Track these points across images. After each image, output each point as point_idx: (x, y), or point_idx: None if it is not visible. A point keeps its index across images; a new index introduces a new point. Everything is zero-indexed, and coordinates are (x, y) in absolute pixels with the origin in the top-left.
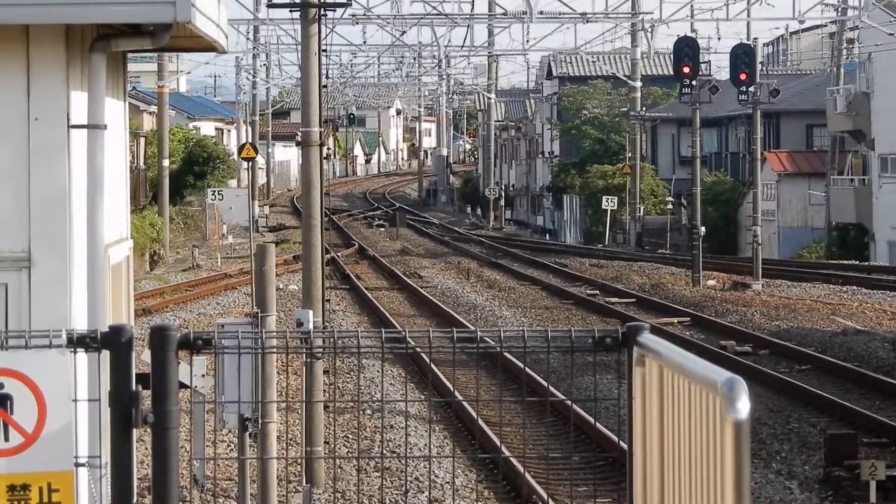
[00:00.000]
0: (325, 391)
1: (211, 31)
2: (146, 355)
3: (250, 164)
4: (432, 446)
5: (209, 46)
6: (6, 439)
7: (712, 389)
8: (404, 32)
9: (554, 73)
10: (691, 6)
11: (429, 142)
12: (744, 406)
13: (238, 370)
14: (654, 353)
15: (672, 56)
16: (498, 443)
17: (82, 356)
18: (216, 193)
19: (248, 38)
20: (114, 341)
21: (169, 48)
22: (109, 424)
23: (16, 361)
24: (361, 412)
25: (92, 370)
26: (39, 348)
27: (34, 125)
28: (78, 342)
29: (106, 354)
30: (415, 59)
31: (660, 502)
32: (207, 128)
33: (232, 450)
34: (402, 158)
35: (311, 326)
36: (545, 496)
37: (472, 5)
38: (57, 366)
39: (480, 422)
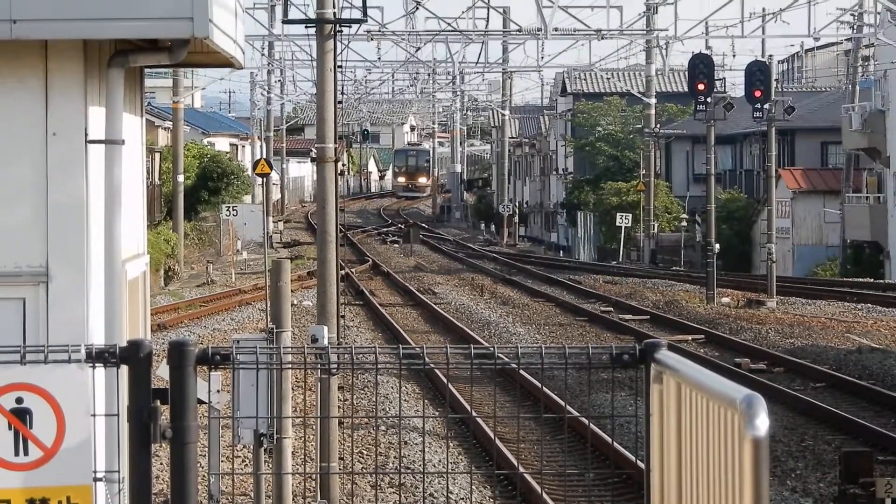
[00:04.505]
0: (339, 407)
1: (228, 46)
2: (162, 370)
3: (265, 179)
4: (448, 462)
5: (226, 62)
6: (26, 453)
7: (731, 406)
8: (419, 49)
9: (568, 90)
10: (706, 23)
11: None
12: (762, 423)
13: (254, 386)
14: (672, 369)
15: (687, 73)
16: (514, 460)
17: (99, 371)
18: (231, 209)
19: (262, 54)
20: (133, 356)
21: (186, 63)
22: (127, 439)
23: (35, 376)
24: (377, 428)
25: (110, 385)
26: (58, 363)
27: (52, 140)
28: (97, 357)
29: (124, 369)
30: (429, 75)
31: None
32: (222, 143)
33: (247, 465)
34: None
35: (326, 342)
36: None
37: (487, 22)
38: (76, 380)
39: (497, 442)
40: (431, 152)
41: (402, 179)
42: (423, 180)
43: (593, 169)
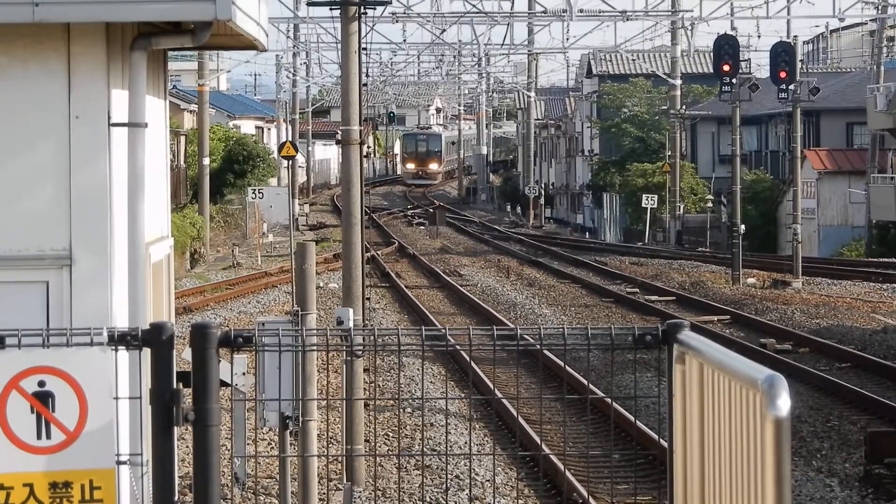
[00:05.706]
0: (365, 389)
1: (251, 29)
2: (187, 353)
3: (290, 162)
4: (472, 444)
5: (249, 45)
6: (48, 437)
7: (752, 387)
8: (444, 30)
9: (594, 72)
10: (731, 4)
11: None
12: (784, 403)
13: (279, 368)
14: (695, 350)
15: (712, 54)
16: (538, 440)
17: (123, 354)
18: (256, 192)
19: (288, 37)
20: (155, 339)
21: (209, 46)
22: (150, 422)
23: (57, 359)
24: (402, 410)
25: (133, 368)
26: (81, 346)
27: (75, 123)
28: (119, 340)
29: (147, 352)
30: (455, 57)
31: (700, 500)
32: (247, 126)
33: (273, 448)
34: None
35: (351, 324)
36: (585, 494)
37: (512, 3)
38: (98, 363)
39: (521, 419)
40: (457, 135)
41: (410, 166)
42: (434, 167)
43: (619, 150)
